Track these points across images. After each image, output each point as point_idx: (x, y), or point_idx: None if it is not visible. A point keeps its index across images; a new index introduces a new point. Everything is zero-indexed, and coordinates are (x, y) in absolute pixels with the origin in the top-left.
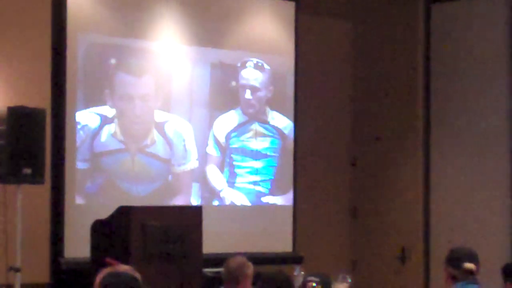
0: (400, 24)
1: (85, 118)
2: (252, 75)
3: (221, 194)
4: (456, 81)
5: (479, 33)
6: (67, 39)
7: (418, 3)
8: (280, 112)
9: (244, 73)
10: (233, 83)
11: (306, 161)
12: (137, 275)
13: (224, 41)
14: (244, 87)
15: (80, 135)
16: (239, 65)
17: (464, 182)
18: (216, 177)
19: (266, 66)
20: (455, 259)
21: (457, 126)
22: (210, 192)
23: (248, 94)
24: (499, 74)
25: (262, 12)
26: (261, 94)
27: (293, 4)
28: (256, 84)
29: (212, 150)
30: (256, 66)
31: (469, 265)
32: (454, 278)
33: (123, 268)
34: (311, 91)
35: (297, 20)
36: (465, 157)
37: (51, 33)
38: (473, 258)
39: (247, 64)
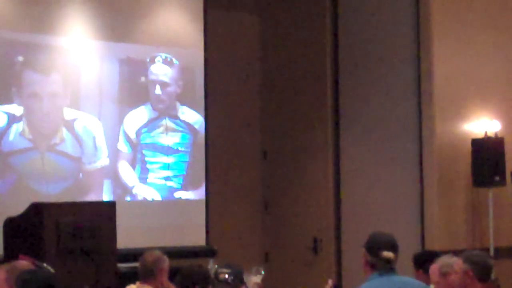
0: (307, 17)
1: None
2: (162, 70)
3: (133, 191)
4: (365, 71)
5: (387, 22)
6: None
7: None
8: (190, 107)
9: (154, 68)
10: (142, 79)
11: (218, 155)
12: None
13: (132, 36)
14: (154, 82)
15: None
16: (148, 60)
17: (374, 172)
18: (127, 174)
19: (175, 61)
20: (373, 247)
21: (366, 116)
22: (122, 188)
23: (158, 90)
24: (406, 63)
25: (170, 6)
26: (171, 89)
27: None
28: (166, 79)
29: (123, 146)
30: (165, 61)
31: (387, 254)
32: (371, 265)
33: (22, 264)
34: (221, 85)
35: (205, 14)
36: (374, 147)
37: None
38: (392, 246)
39: (156, 59)
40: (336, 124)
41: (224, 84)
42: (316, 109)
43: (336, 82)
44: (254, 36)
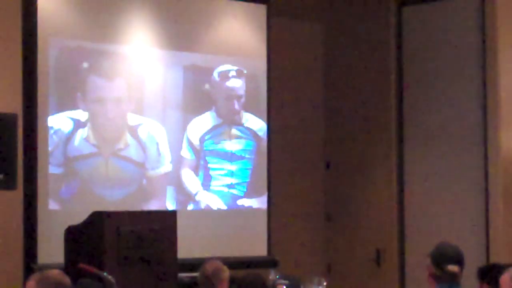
0: (371, 26)
1: (58, 122)
2: (237, 84)
3: (196, 198)
4: (429, 81)
5: (450, 35)
6: (38, 44)
7: (389, 5)
8: (254, 114)
9: (230, 83)
10: (207, 86)
11: (280, 164)
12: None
13: (197, 45)
14: (231, 97)
15: (53, 140)
16: (217, 75)
17: (438, 183)
18: (191, 181)
19: (244, 71)
20: (439, 259)
21: (430, 127)
22: (185, 195)
23: (236, 105)
24: (471, 74)
25: (234, 15)
26: (243, 100)
27: (264, 6)
28: (242, 92)
29: (186, 153)
30: (239, 74)
31: (452, 268)
32: (435, 277)
33: (53, 273)
34: (284, 93)
35: (268, 23)
36: (438, 158)
37: (22, 37)
38: (458, 259)
39: (230, 75)
40: (400, 134)
41: (287, 92)
42: (380, 118)
43: (400, 92)
44: (317, 44)
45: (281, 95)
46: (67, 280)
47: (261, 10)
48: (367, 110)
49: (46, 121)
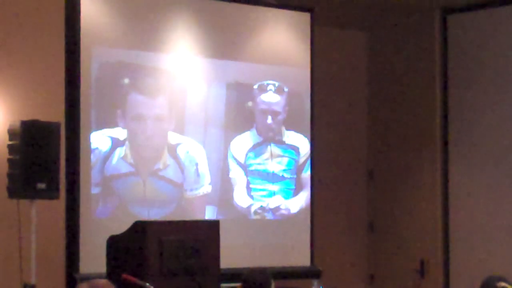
0: (416, 35)
1: (96, 140)
2: (274, 99)
3: (238, 211)
4: (474, 90)
5: (496, 42)
6: (81, 53)
7: (434, 14)
8: (296, 130)
9: (265, 97)
10: (250, 104)
11: (323, 175)
12: None
13: (239, 54)
14: (266, 112)
15: (92, 158)
16: (256, 87)
17: (484, 193)
18: (232, 200)
19: (285, 89)
20: (487, 283)
21: (475, 136)
22: (225, 215)
23: (269, 119)
24: None
25: (277, 24)
26: (280, 117)
27: (308, 14)
28: (278, 108)
29: (229, 171)
30: (277, 90)
31: (503, 284)
32: None
33: (101, 282)
34: (327, 103)
35: (312, 31)
36: (484, 167)
37: (65, 47)
38: (504, 278)
39: (268, 88)
40: (445, 143)
41: (330, 102)
42: (424, 127)
43: (445, 100)
44: (361, 53)
45: (324, 106)
46: None
47: (304, 18)
48: (412, 119)
49: (89, 134)
